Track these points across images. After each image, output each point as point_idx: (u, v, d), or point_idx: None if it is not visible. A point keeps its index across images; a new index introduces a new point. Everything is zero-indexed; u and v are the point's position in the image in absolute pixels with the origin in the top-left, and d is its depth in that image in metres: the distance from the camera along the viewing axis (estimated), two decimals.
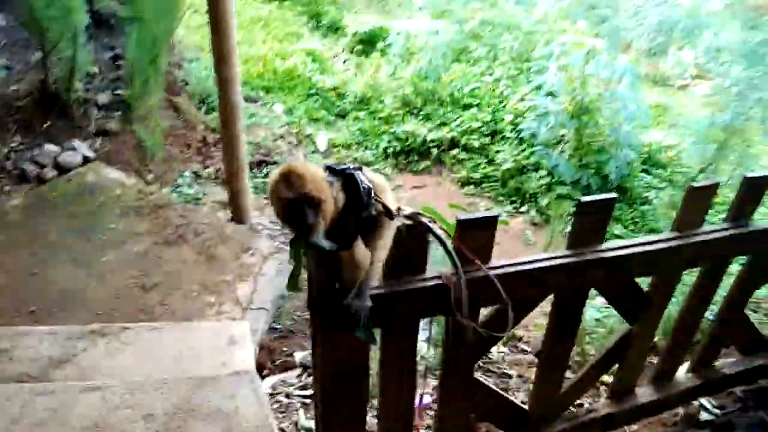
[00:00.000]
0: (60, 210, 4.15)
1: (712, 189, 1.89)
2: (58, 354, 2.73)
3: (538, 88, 6.85)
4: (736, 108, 8.72)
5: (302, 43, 8.98)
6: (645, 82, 9.88)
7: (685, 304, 2.21)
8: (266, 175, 5.95)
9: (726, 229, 1.97)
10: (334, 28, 10.01)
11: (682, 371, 2.46)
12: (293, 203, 1.29)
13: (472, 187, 7.38)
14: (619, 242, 1.86)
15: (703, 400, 2.65)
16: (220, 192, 5.52)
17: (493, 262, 1.73)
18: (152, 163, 5.27)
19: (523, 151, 7.38)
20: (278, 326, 3.88)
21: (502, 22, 9.10)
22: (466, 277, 1.64)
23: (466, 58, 8.97)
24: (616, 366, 2.31)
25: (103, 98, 5.38)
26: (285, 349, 3.66)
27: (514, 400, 2.16)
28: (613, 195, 1.77)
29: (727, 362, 2.50)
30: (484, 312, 1.81)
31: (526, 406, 2.15)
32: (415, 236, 1.59)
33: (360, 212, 1.41)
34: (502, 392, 2.12)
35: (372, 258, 1.48)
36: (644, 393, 2.36)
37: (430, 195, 7.31)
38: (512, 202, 7.18)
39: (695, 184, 1.85)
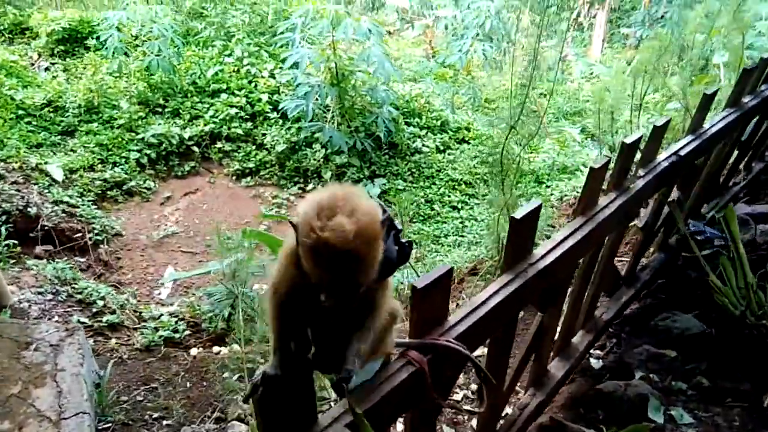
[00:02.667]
0: None
1: (604, 167, 1.86)
2: None
3: (296, 65, 6.52)
4: (454, 46, 9.58)
5: None
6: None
7: (579, 275, 2.23)
8: (4, 237, 4.63)
9: (615, 199, 1.98)
10: (19, 30, 8.18)
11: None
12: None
13: (249, 178, 6.88)
14: (543, 249, 1.72)
15: None
16: None
17: (450, 320, 1.46)
18: None
19: (289, 129, 7.07)
20: (108, 424, 3.09)
21: None
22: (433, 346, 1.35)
23: (196, 41, 8.16)
24: None
25: None
26: None
27: None
28: (538, 202, 1.60)
29: (601, 310, 2.65)
30: None
31: None
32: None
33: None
34: None
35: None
36: (556, 367, 2.38)
37: (210, 198, 6.61)
38: (296, 183, 6.90)
39: (593, 165, 1.79)
